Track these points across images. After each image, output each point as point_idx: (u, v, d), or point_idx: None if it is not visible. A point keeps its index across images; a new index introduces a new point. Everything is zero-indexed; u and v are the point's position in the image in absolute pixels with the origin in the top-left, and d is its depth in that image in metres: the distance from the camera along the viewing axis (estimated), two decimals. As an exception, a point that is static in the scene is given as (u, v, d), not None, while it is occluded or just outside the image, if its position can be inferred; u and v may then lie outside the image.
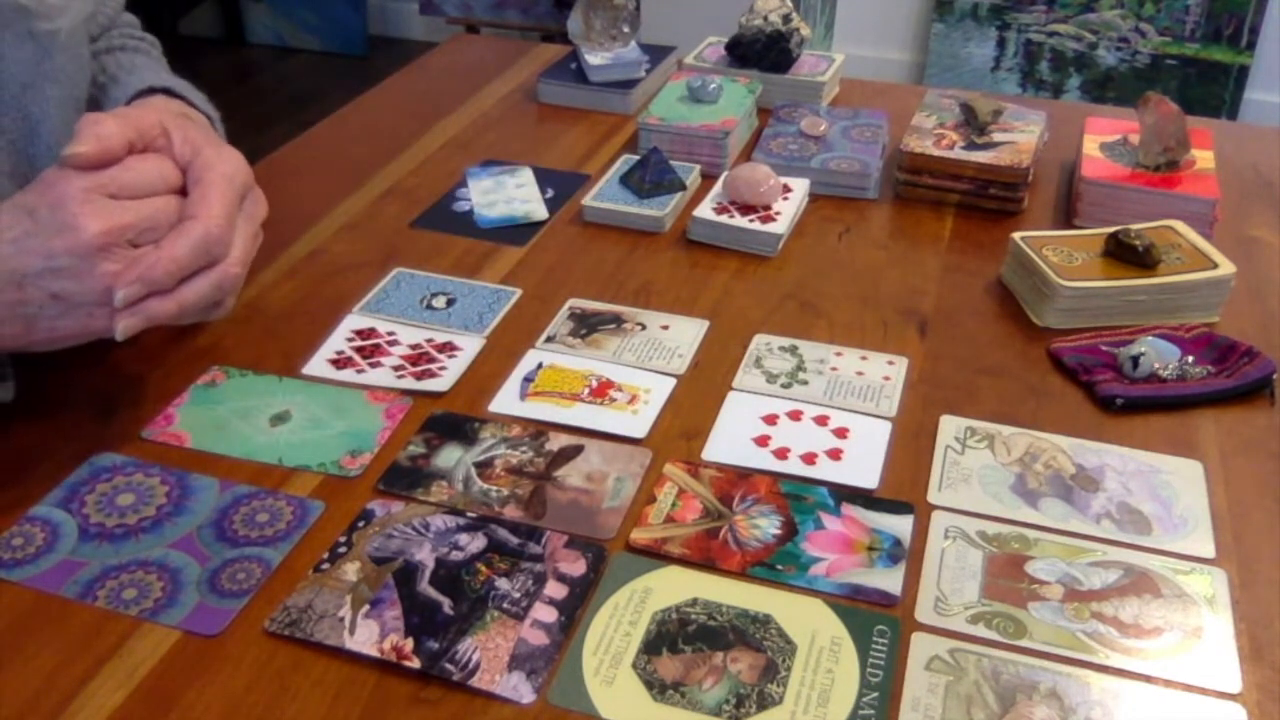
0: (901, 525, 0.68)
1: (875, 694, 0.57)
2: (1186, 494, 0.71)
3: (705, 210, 0.99)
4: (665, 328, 0.87)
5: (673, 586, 0.64)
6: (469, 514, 0.68)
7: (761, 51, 1.24)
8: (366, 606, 0.61)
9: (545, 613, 0.62)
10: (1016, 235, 0.92)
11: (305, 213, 1.02)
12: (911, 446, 0.75)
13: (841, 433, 0.76)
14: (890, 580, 0.64)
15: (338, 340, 0.84)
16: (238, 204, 0.69)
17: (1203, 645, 0.61)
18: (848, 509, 0.69)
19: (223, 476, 0.71)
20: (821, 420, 0.77)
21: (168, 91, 0.82)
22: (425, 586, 0.63)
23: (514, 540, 0.66)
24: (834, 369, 0.82)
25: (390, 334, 0.85)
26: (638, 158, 1.07)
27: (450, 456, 0.73)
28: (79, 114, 0.82)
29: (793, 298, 0.91)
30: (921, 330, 0.87)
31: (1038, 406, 0.79)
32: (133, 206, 0.65)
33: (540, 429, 0.76)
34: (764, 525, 0.68)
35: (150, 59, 0.94)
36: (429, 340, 0.84)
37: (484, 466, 0.72)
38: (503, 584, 0.63)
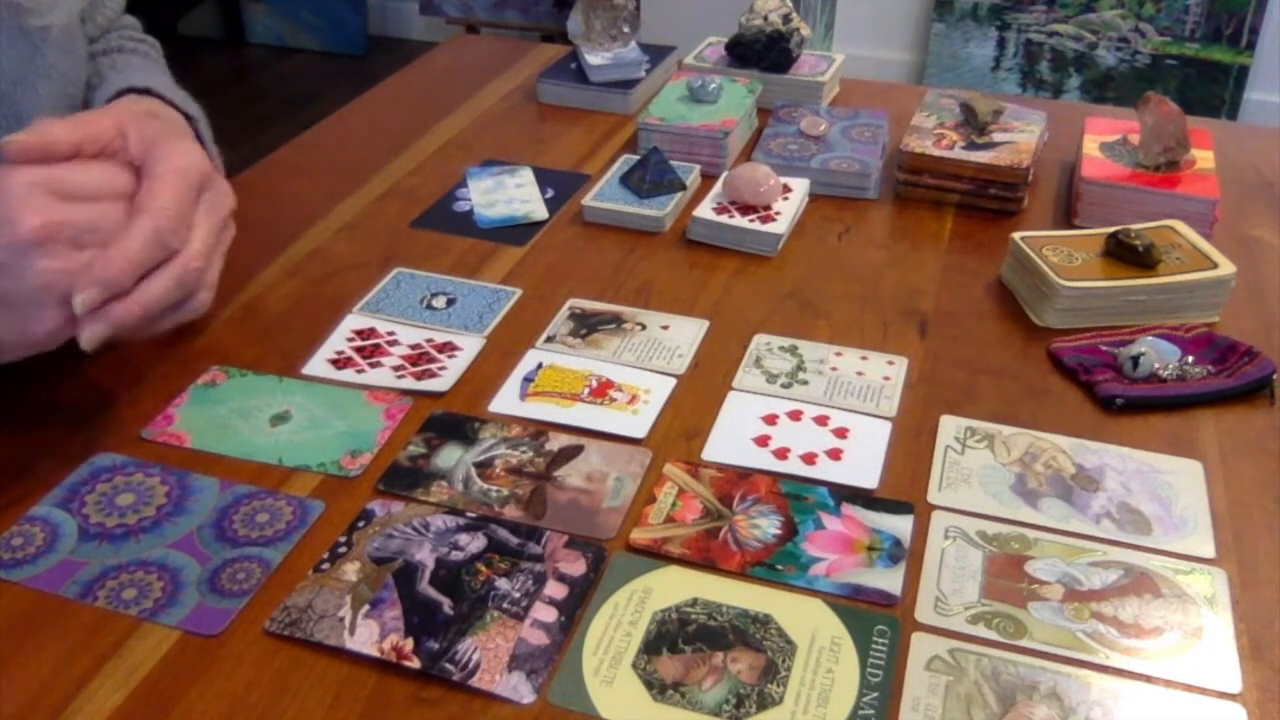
0: (901, 525, 0.68)
1: (875, 694, 0.57)
2: (1186, 494, 0.71)
3: (705, 210, 0.99)
4: (665, 328, 0.87)
5: (673, 586, 0.64)
6: (469, 514, 0.68)
7: (761, 51, 1.24)
8: (366, 606, 0.61)
9: (545, 613, 0.62)
10: (1016, 235, 0.92)
11: (305, 213, 1.02)
12: (911, 446, 0.75)
13: (841, 433, 0.76)
14: (890, 580, 0.64)
15: (338, 340, 0.84)
16: (193, 196, 0.68)
17: (1203, 645, 0.61)
18: (848, 509, 0.69)
19: (223, 476, 0.71)
20: (821, 420, 0.77)
21: (148, 91, 0.81)
22: (425, 586, 0.63)
23: (514, 540, 0.66)
24: (834, 369, 0.82)
25: (390, 334, 0.85)
26: (638, 158, 1.07)
27: (450, 456, 0.73)
28: (73, 112, 0.82)
29: (793, 298, 0.91)
30: (921, 330, 0.87)
31: (1038, 406, 0.79)
32: (76, 207, 0.63)
33: (540, 429, 0.76)
34: (764, 525, 0.68)
35: (147, 60, 0.93)
36: (429, 340, 0.84)
37: (484, 466, 0.72)
38: (503, 584, 0.63)
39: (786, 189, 1.03)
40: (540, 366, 0.82)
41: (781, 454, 0.74)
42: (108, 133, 0.67)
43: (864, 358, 0.84)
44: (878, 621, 0.62)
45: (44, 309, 0.63)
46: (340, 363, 0.81)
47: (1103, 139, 1.08)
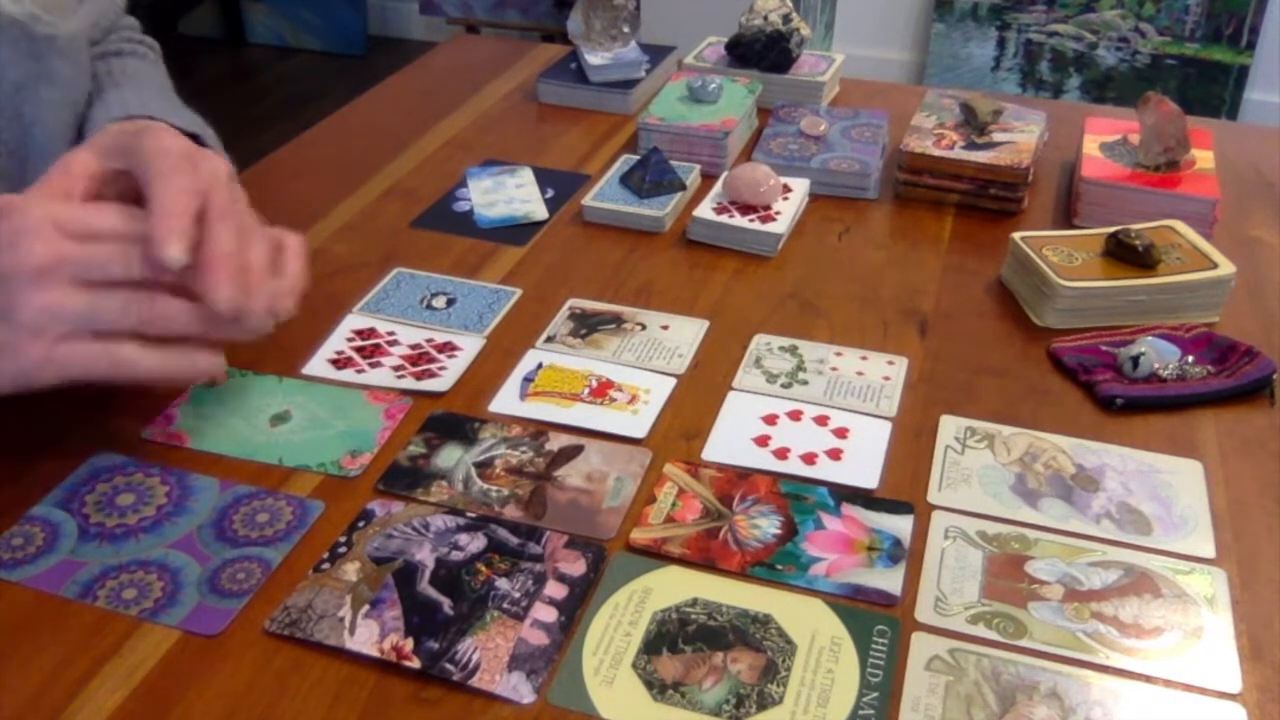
0: (901, 525, 0.68)
1: (875, 694, 0.57)
2: (1186, 494, 0.71)
3: (705, 210, 0.99)
4: (665, 328, 0.87)
5: (673, 586, 0.64)
6: (469, 514, 0.68)
7: (761, 51, 1.24)
8: (366, 606, 0.61)
9: (545, 613, 0.62)
10: (1016, 235, 0.92)
11: (305, 213, 1.02)
12: (911, 446, 0.75)
13: (841, 433, 0.76)
14: (890, 580, 0.64)
15: (338, 340, 0.84)
16: (228, 219, 0.66)
17: (1203, 645, 0.61)
18: (848, 509, 0.69)
19: (223, 476, 0.71)
20: (821, 420, 0.77)
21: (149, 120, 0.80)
22: (425, 586, 0.63)
23: (514, 540, 0.66)
24: (834, 369, 0.82)
25: (390, 334, 0.85)
26: (638, 158, 1.07)
27: (450, 456, 0.73)
28: (77, 119, 0.82)
29: (793, 298, 0.91)
30: (921, 330, 0.87)
31: (1038, 406, 0.79)
32: (84, 245, 0.62)
33: (540, 429, 0.76)
34: (764, 525, 0.68)
35: (148, 64, 0.93)
36: (429, 340, 0.84)
37: (484, 466, 0.72)
38: (503, 584, 0.63)
39: (786, 189, 1.03)
40: (540, 366, 0.82)
41: (781, 454, 0.74)
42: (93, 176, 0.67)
43: (864, 358, 0.84)
44: (878, 621, 0.62)
45: (35, 339, 0.61)
46: (340, 363, 0.81)
47: (1103, 139, 1.08)
